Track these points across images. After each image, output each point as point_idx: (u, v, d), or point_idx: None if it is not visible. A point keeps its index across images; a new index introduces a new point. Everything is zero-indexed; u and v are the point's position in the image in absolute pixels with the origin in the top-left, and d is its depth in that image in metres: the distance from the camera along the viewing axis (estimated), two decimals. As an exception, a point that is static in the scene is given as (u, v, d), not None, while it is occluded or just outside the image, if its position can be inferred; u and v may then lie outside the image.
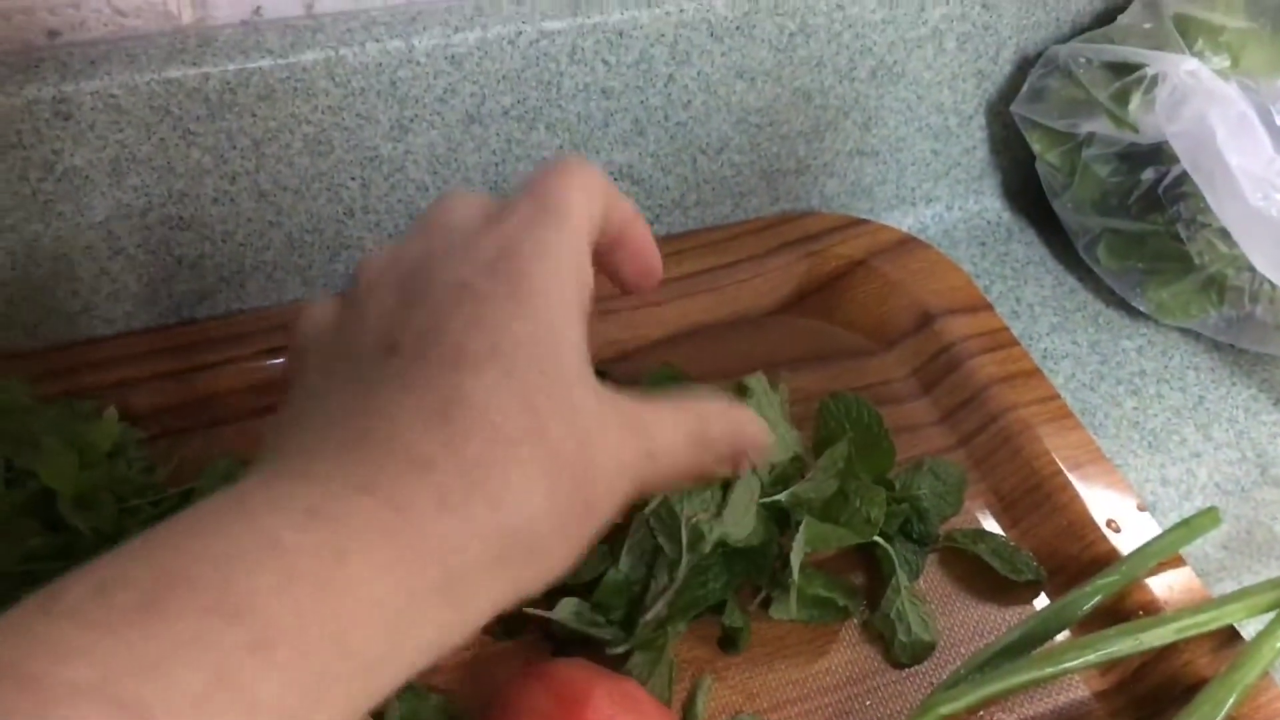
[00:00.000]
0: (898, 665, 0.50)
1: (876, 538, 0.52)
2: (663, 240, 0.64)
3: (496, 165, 0.59)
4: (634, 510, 0.51)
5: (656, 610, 0.48)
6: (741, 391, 0.51)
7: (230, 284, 0.58)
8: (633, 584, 0.49)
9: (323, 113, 0.54)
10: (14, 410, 0.46)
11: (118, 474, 0.45)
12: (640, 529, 0.50)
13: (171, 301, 0.58)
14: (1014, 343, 0.60)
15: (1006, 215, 0.72)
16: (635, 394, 0.34)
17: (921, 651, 0.50)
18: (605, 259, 0.38)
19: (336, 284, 0.60)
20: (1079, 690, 0.50)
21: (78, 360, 0.55)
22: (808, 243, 0.65)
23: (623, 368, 0.59)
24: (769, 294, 0.64)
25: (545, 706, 0.41)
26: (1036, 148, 0.67)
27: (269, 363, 0.57)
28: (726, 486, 0.49)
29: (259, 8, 0.53)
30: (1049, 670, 0.46)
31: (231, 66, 0.52)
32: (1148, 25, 0.62)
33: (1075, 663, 0.47)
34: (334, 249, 0.59)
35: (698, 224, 0.66)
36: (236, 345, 0.57)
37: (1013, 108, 0.67)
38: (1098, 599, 0.50)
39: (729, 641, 0.50)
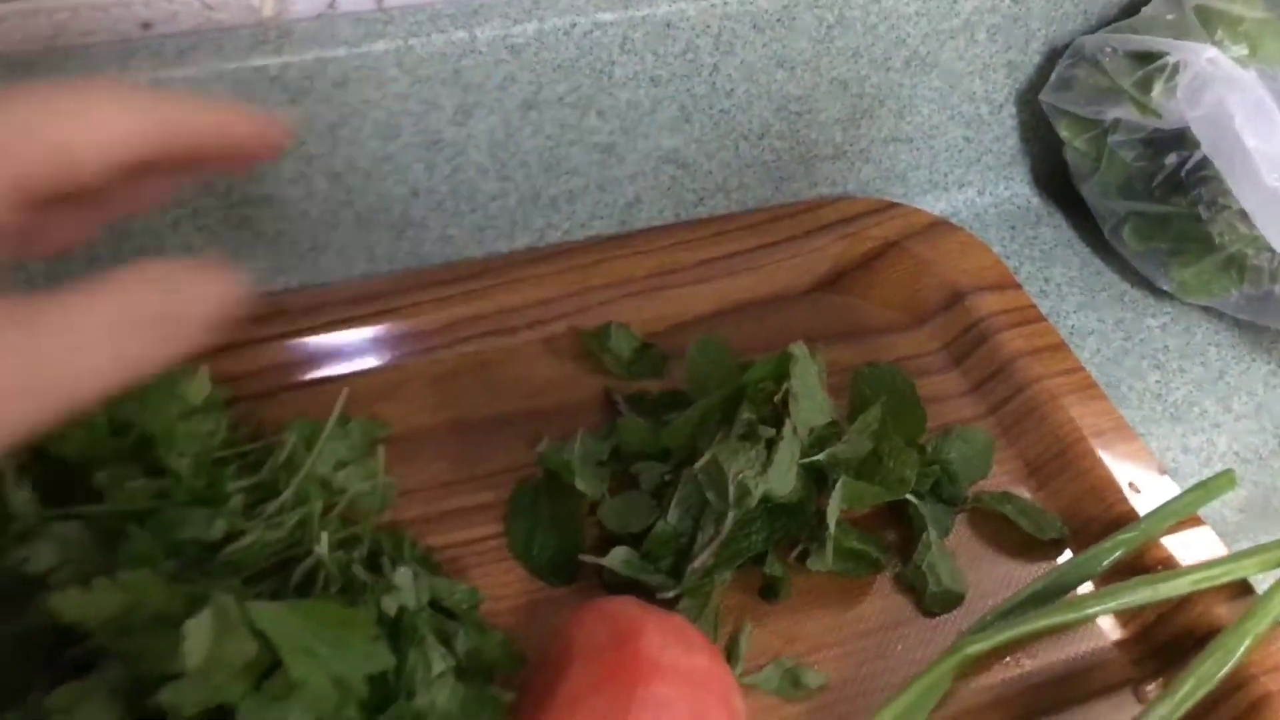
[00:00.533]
0: (928, 614, 0.53)
1: (909, 496, 0.55)
2: (706, 222, 0.68)
3: (551, 149, 0.63)
4: (680, 466, 0.54)
5: (703, 559, 0.52)
6: (786, 360, 0.54)
7: (305, 259, 0.62)
8: (680, 535, 0.53)
9: (392, 99, 0.58)
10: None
11: (208, 427, 0.50)
12: (688, 484, 0.53)
13: (251, 275, 0.62)
14: (1041, 319, 0.64)
15: (1035, 200, 0.75)
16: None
17: (951, 601, 0.53)
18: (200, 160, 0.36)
19: (401, 260, 0.64)
20: (1099, 639, 0.53)
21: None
22: (843, 225, 0.68)
23: (670, 340, 0.63)
24: (806, 273, 0.67)
25: (601, 637, 0.44)
26: (1064, 134, 0.70)
27: (341, 333, 0.61)
28: (771, 446, 0.53)
29: (333, 2, 0.57)
30: (1071, 616, 0.50)
31: (309, 56, 0.56)
32: (1170, 16, 0.65)
33: (1096, 609, 0.50)
34: (400, 228, 0.63)
35: (739, 207, 0.69)
36: (311, 316, 0.61)
37: (1041, 96, 0.70)
38: (1118, 554, 0.53)
39: (770, 590, 0.53)
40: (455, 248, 0.65)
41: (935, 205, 0.73)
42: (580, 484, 0.55)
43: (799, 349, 0.54)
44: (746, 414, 0.53)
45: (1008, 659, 0.52)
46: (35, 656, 0.43)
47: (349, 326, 0.61)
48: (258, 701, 0.40)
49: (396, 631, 0.45)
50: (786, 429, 0.53)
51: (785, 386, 0.54)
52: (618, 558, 0.52)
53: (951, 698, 0.50)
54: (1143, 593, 0.50)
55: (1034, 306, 0.64)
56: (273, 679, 0.41)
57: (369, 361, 0.61)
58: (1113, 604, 0.50)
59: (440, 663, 0.45)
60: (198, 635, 0.39)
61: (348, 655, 0.41)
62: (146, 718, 0.42)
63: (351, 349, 0.61)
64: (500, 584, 0.53)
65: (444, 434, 0.59)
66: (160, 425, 0.47)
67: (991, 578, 0.55)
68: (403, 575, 0.46)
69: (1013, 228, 0.73)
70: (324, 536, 0.46)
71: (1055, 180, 0.75)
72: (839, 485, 0.53)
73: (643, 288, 0.65)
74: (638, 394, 0.60)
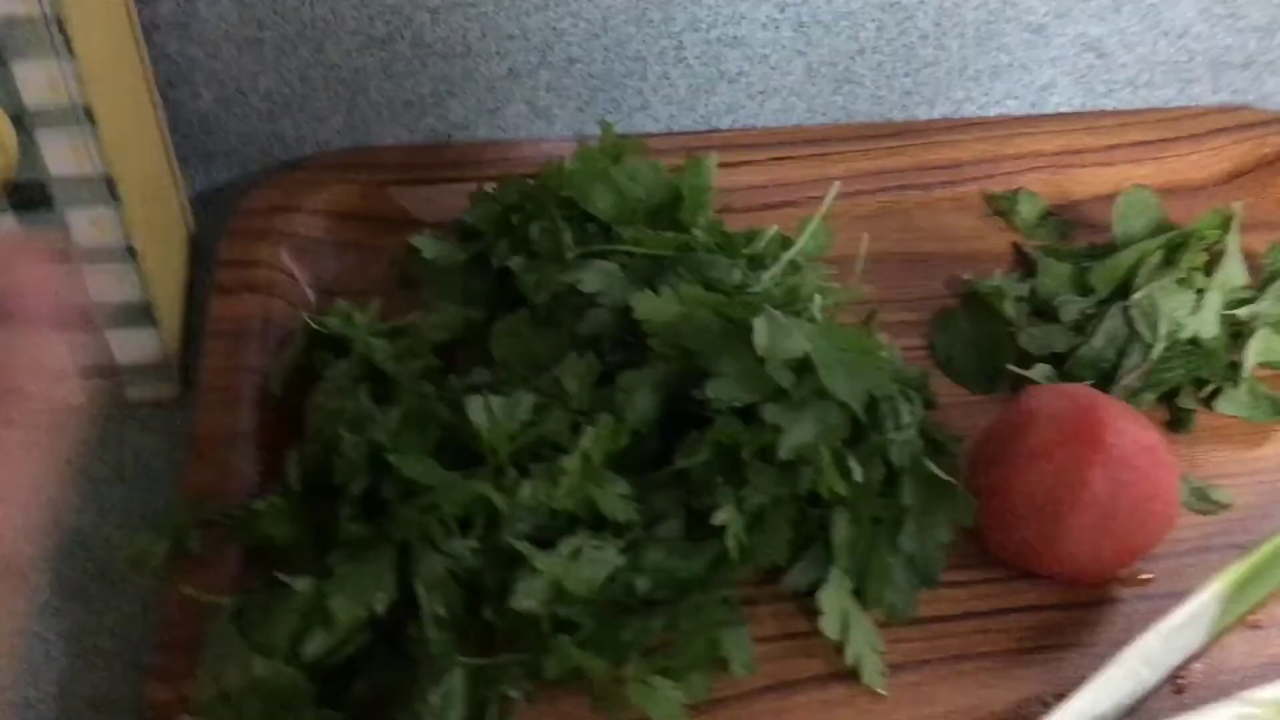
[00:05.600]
0: (1330, 464, 0.57)
1: (1319, 358, 0.59)
2: (1113, 113, 0.73)
3: (988, 23, 0.69)
4: (1102, 303, 0.60)
5: (1128, 382, 0.57)
6: (1228, 217, 0.59)
7: (754, 101, 0.70)
8: (1102, 361, 0.58)
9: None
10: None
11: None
12: (1116, 317, 0.59)
13: (705, 111, 0.71)
14: None
15: None
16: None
17: (1354, 455, 0.57)
18: None
19: (833, 115, 0.72)
20: None
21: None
22: (1244, 130, 0.72)
23: (1070, 214, 0.68)
24: (1204, 169, 0.71)
25: (1061, 405, 0.50)
26: None
27: (778, 168, 0.68)
28: (1200, 294, 0.58)
29: None
30: None
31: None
32: None
33: None
34: (840, 82, 0.70)
35: (1143, 104, 0.74)
36: (753, 151, 0.69)
37: None
38: None
39: (1178, 423, 0.58)
40: (883, 109, 0.72)
41: (1330, 127, 0.75)
42: (1006, 307, 0.61)
43: (1237, 207, 0.58)
44: (1188, 260, 0.58)
45: None
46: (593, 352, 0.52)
47: (785, 164, 0.70)
48: (780, 408, 0.48)
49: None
50: (1216, 280, 0.58)
51: (1221, 243, 0.59)
52: (1041, 372, 0.58)
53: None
54: None
55: None
56: (796, 390, 0.49)
57: (799, 195, 0.68)
58: None
59: (909, 414, 0.52)
60: (763, 335, 0.47)
61: (860, 376, 0.49)
62: (677, 410, 0.51)
63: (786, 185, 0.69)
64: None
65: (866, 262, 0.66)
66: (687, 190, 0.56)
67: (1391, 445, 0.58)
68: (881, 338, 0.53)
69: (1406, 157, 0.75)
70: (816, 297, 0.53)
71: None
72: (1257, 335, 0.58)
73: (1049, 164, 0.71)
74: (1049, 247, 0.66)
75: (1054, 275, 0.62)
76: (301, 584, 0.44)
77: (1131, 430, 0.49)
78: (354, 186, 0.66)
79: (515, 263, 0.56)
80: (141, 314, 0.54)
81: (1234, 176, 0.71)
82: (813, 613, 0.49)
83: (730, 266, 0.54)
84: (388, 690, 0.46)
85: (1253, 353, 0.57)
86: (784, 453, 0.48)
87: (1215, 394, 0.58)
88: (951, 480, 0.50)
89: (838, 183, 0.60)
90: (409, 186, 0.67)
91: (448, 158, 0.68)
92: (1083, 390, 0.52)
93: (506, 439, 0.47)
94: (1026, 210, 0.68)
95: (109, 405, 0.57)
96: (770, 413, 0.48)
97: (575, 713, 0.47)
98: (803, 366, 0.48)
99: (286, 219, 0.64)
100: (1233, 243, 0.60)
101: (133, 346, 0.55)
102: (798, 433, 0.48)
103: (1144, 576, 0.53)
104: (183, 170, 0.66)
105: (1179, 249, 0.59)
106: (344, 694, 0.46)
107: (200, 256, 0.64)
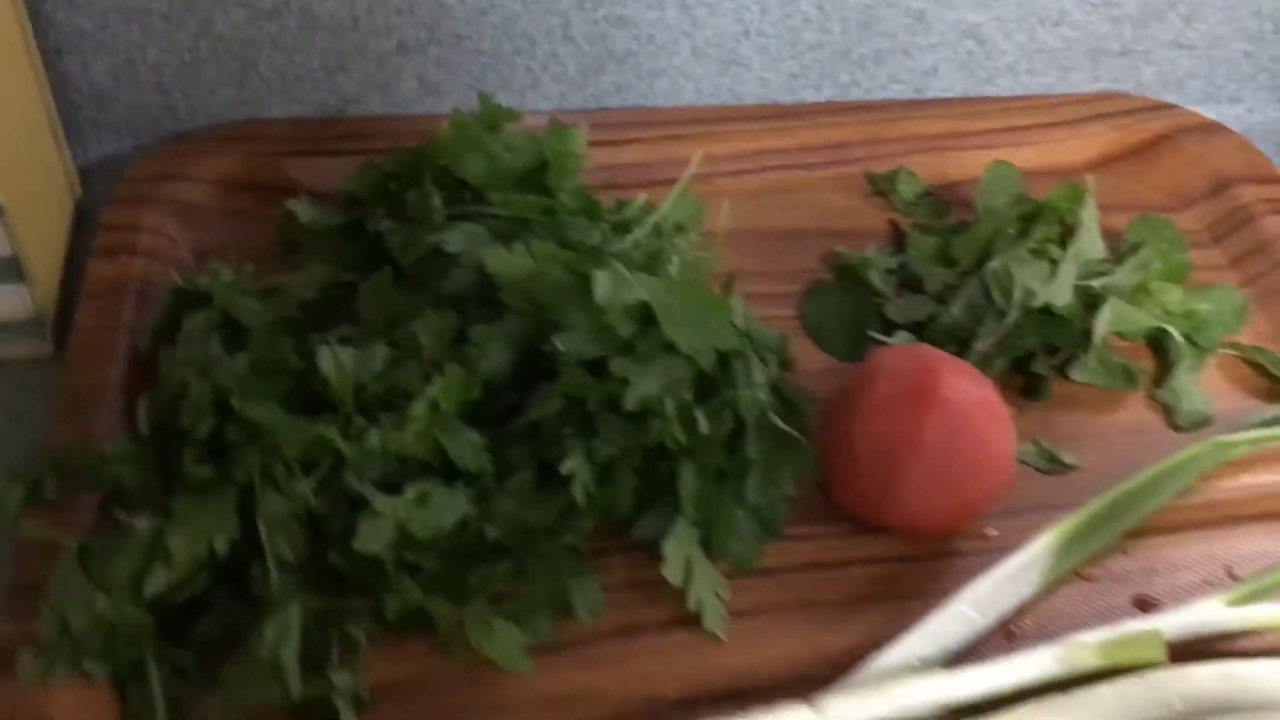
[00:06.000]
0: (1177, 429, 0.59)
1: (1168, 327, 0.61)
2: (994, 99, 0.75)
3: (870, 8, 0.71)
4: (964, 275, 0.62)
5: (981, 348, 0.59)
6: (1081, 190, 0.61)
7: (643, 82, 0.72)
8: (960, 329, 0.60)
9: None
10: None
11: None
12: (974, 287, 0.60)
13: (595, 90, 0.72)
14: (1305, 210, 0.68)
15: (1304, 126, 0.79)
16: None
17: (1200, 420, 0.59)
18: None
19: (721, 96, 0.73)
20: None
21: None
22: (1120, 116, 0.74)
23: (949, 194, 0.70)
24: (1080, 154, 0.73)
25: (904, 363, 0.52)
26: (1342, 62, 0.75)
27: (664, 147, 0.70)
28: (1054, 264, 0.60)
29: None
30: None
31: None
32: None
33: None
34: (726, 64, 0.72)
35: (1024, 91, 0.76)
36: (641, 129, 0.71)
37: (1324, 24, 0.75)
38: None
39: (1033, 390, 0.60)
40: (770, 91, 0.74)
41: (1207, 116, 0.78)
42: (874, 278, 0.63)
43: (1090, 182, 0.60)
44: (1042, 231, 0.60)
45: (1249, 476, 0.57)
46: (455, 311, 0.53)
47: (672, 143, 0.71)
48: (627, 360, 0.50)
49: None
50: (1070, 251, 0.60)
51: (1075, 214, 0.60)
52: (902, 339, 0.60)
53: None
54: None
55: (1299, 199, 0.69)
56: (642, 343, 0.50)
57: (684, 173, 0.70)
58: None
59: (760, 373, 0.53)
60: (604, 285, 0.48)
61: (705, 330, 0.50)
62: (529, 365, 0.52)
63: (671, 164, 0.70)
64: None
65: (746, 239, 0.67)
66: (554, 157, 0.57)
67: (1240, 410, 0.60)
68: (734, 301, 0.55)
69: (1279, 145, 0.77)
70: (675, 259, 0.55)
71: (1324, 112, 0.79)
72: (1108, 304, 0.59)
73: (930, 146, 0.73)
74: (921, 224, 0.68)
75: (921, 249, 0.64)
76: (142, 523, 0.45)
77: (966, 387, 0.51)
78: (243, 157, 0.67)
79: (385, 225, 0.57)
80: (10, 270, 0.55)
81: (1109, 161, 0.73)
82: (660, 562, 0.51)
83: (591, 229, 0.55)
84: (232, 630, 0.47)
85: (1103, 321, 0.59)
86: (629, 404, 0.49)
87: (1068, 362, 0.60)
88: (795, 434, 0.51)
89: (700, 153, 0.61)
90: (300, 158, 0.68)
91: (339, 131, 0.70)
92: (926, 350, 0.54)
93: (354, 388, 0.49)
94: (905, 189, 0.70)
95: (-18, 362, 0.58)
96: (617, 365, 0.50)
97: (421, 656, 0.49)
98: (648, 321, 0.50)
99: (173, 186, 0.65)
100: (1088, 216, 0.62)
101: (3, 303, 0.56)
102: (643, 385, 0.49)
103: (989, 532, 0.54)
104: (74, 140, 0.67)
105: (1034, 221, 0.61)
106: (189, 633, 0.47)
107: (87, 224, 0.65)
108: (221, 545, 0.45)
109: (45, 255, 0.59)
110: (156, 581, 0.45)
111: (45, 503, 0.50)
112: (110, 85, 0.67)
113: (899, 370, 0.52)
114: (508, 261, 0.51)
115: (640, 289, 0.49)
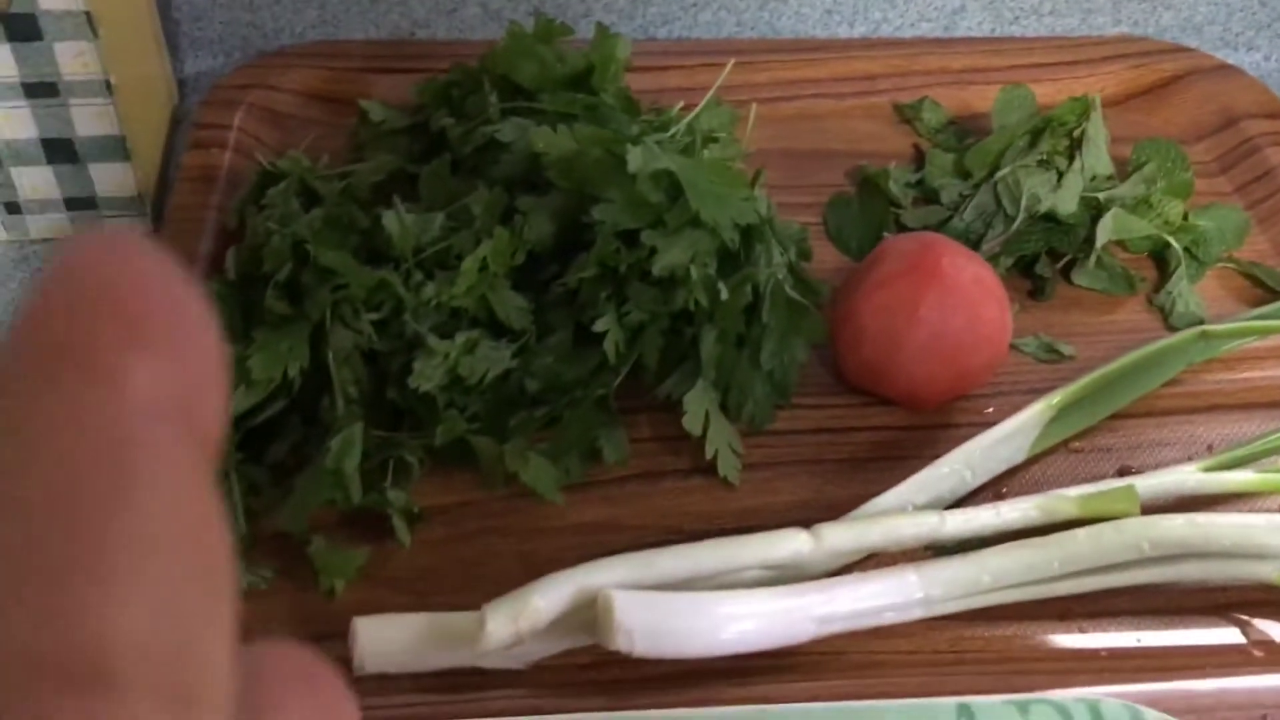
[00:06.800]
0: (1172, 329, 0.63)
1: (1169, 238, 0.65)
2: (1019, 39, 0.80)
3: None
4: (977, 187, 0.67)
5: (989, 247, 0.64)
6: (1086, 105, 0.66)
7: (688, 13, 0.78)
8: (971, 232, 0.65)
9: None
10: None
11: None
12: (985, 194, 0.65)
13: (643, 21, 0.78)
14: (1309, 142, 0.72)
15: (1319, 73, 0.83)
16: None
17: (1193, 322, 0.63)
18: None
19: (760, 30, 0.79)
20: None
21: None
22: (1139, 57, 0.79)
23: (971, 125, 0.75)
24: (1101, 90, 0.77)
25: (909, 244, 0.57)
26: (1357, 11, 0.78)
27: (705, 73, 0.76)
28: (1061, 175, 0.64)
29: None
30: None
31: None
32: None
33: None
34: (765, 0, 0.78)
35: (1049, 32, 0.81)
36: (686, 57, 0.77)
37: (1341, -26, 0.78)
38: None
39: (1038, 291, 0.65)
40: (806, 26, 0.79)
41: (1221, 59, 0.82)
42: (891, 188, 0.68)
43: (1096, 97, 0.65)
44: (1048, 144, 0.65)
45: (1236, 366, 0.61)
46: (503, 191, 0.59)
47: (712, 69, 0.77)
48: (656, 232, 0.56)
49: (749, 230, 0.59)
50: (1076, 164, 0.65)
51: (1082, 129, 0.65)
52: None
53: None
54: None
55: (1304, 132, 0.73)
56: (670, 216, 0.56)
57: (727, 99, 0.75)
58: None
59: (779, 255, 0.59)
60: (636, 156, 0.54)
61: (728, 204, 0.56)
62: (571, 238, 0.58)
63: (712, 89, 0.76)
64: (815, 259, 0.67)
65: (778, 157, 0.73)
66: (600, 61, 0.63)
67: (1233, 318, 0.64)
68: (759, 194, 0.60)
69: (1293, 90, 0.81)
70: (704, 152, 0.61)
71: (1342, 63, 0.83)
72: (1111, 213, 0.64)
73: (955, 80, 0.77)
74: (942, 145, 0.72)
75: (939, 164, 0.69)
76: (226, 349, 0.51)
77: (965, 264, 0.56)
78: (322, 72, 0.74)
79: (446, 121, 0.64)
80: (117, 148, 0.62)
81: (1127, 98, 0.78)
82: (683, 417, 0.56)
83: (630, 123, 0.61)
84: (302, 454, 0.53)
85: (1105, 228, 0.64)
86: (658, 270, 0.55)
87: (1072, 265, 0.65)
88: (806, 303, 0.57)
89: (731, 61, 0.67)
90: (372, 74, 0.75)
91: (409, 51, 0.76)
92: (930, 235, 0.59)
93: (414, 248, 0.55)
94: (930, 117, 0.75)
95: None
96: (647, 236, 0.55)
97: (466, 486, 0.55)
98: (675, 195, 0.55)
99: (260, 94, 0.72)
100: (1095, 131, 0.66)
101: (109, 181, 0.63)
102: (670, 254, 0.55)
103: (987, 410, 0.59)
104: (175, 55, 0.75)
105: (1042, 133, 0.65)
106: (265, 454, 0.53)
107: (184, 130, 0.72)
108: (294, 370, 0.52)
109: (147, 142, 0.66)
110: (239, 401, 0.51)
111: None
112: (205, 3, 0.74)
113: (902, 251, 0.57)
114: (553, 141, 0.57)
115: (669, 161, 0.54)
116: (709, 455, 0.56)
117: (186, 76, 0.76)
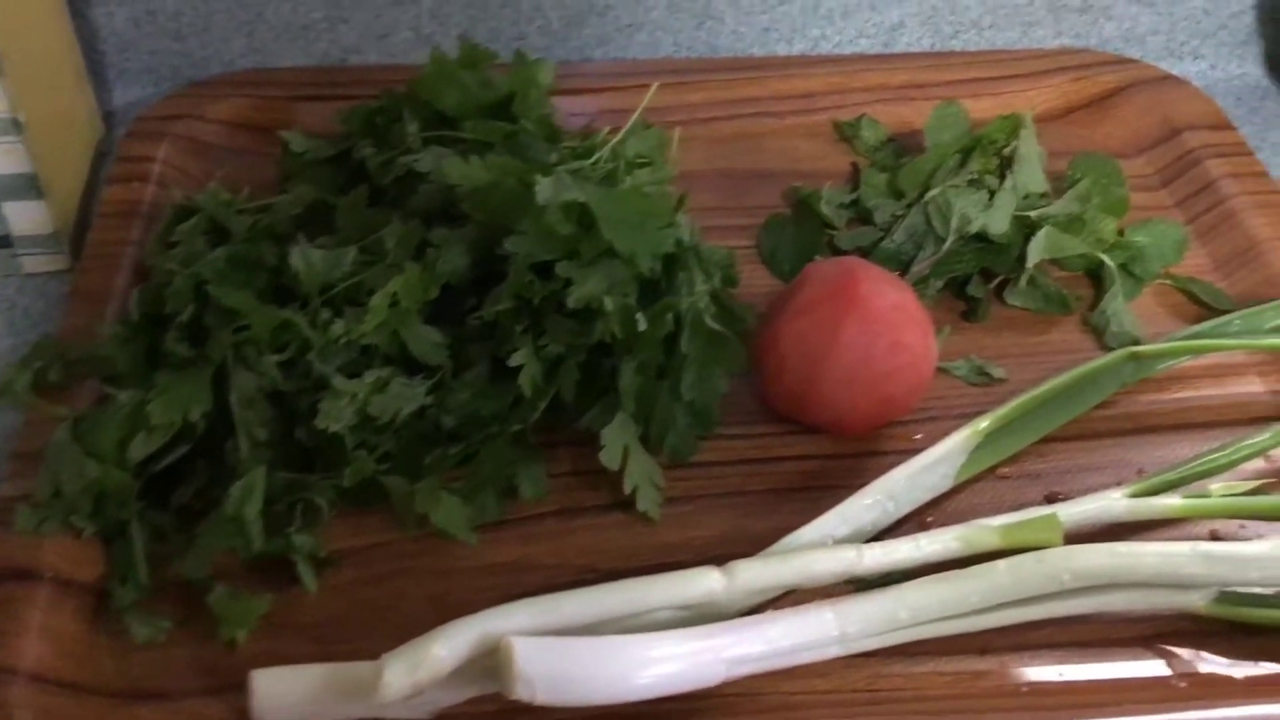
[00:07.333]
0: (1106, 350, 0.62)
1: (1103, 256, 0.64)
2: (958, 53, 0.79)
3: None
4: (909, 206, 0.66)
5: (919, 269, 0.63)
6: (1016, 122, 0.65)
7: (622, 34, 0.77)
8: (902, 254, 0.64)
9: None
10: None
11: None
12: (916, 215, 0.64)
13: (578, 43, 0.77)
14: (1251, 154, 0.71)
15: (1265, 82, 0.82)
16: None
17: (1127, 342, 0.62)
18: None
19: (698, 50, 0.78)
20: (1252, 385, 0.61)
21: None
22: (1081, 69, 0.78)
23: (910, 141, 0.74)
24: (1039, 104, 0.76)
25: (831, 271, 0.56)
26: (1301, 18, 0.77)
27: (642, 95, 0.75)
28: (993, 194, 0.63)
29: None
30: (1231, 343, 0.58)
31: None
32: None
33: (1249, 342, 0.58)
34: (701, 19, 0.77)
35: (989, 45, 0.80)
36: (620, 79, 0.76)
37: (1284, -19, 0.77)
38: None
39: (971, 313, 0.64)
40: (743, 44, 0.78)
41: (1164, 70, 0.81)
42: (824, 210, 0.67)
43: (1027, 115, 0.64)
44: (978, 164, 0.64)
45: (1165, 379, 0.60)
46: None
47: (647, 91, 0.76)
48: (571, 263, 0.54)
49: (672, 258, 0.58)
50: (1008, 183, 0.64)
51: (1012, 147, 0.64)
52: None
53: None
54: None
55: (1245, 144, 0.72)
56: (585, 246, 0.55)
57: (659, 120, 0.74)
58: (1264, 341, 0.58)
59: (702, 283, 0.57)
60: (545, 188, 0.53)
61: (644, 233, 0.54)
62: (487, 270, 0.57)
63: (648, 110, 0.75)
64: (746, 281, 0.65)
65: (713, 178, 0.72)
66: (520, 87, 0.62)
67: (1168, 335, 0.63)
68: (683, 219, 0.59)
69: (1239, 99, 0.80)
70: (629, 181, 0.60)
71: (1289, 70, 0.82)
72: (1042, 232, 0.63)
73: (895, 96, 0.76)
74: (879, 164, 0.71)
75: (873, 184, 0.68)
76: (126, 395, 0.50)
77: (885, 290, 0.55)
78: (251, 100, 0.73)
79: (366, 151, 0.63)
80: (29, 186, 0.61)
81: (1068, 111, 0.77)
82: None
83: (550, 151, 0.60)
84: (207, 498, 0.52)
85: (1036, 248, 0.63)
86: (573, 302, 0.54)
87: (1004, 286, 0.64)
88: (727, 333, 0.56)
89: (655, 84, 0.66)
90: (302, 102, 0.74)
91: (339, 78, 0.75)
92: (852, 260, 0.58)
93: (321, 285, 0.54)
94: (868, 135, 0.74)
95: (5, 274, 0.64)
96: (562, 268, 0.54)
97: (378, 528, 0.53)
98: (589, 226, 0.54)
99: (185, 124, 0.71)
100: (1027, 149, 0.65)
101: (23, 218, 0.62)
102: (585, 286, 0.54)
103: (915, 437, 0.58)
104: (101, 87, 0.74)
105: (971, 152, 0.64)
106: (169, 499, 0.52)
107: (108, 162, 0.71)
108: (195, 415, 0.51)
109: (65, 178, 0.65)
110: (139, 447, 0.50)
111: (51, 385, 0.55)
112: (132, 33, 0.73)
113: (824, 276, 0.56)
114: (466, 172, 0.56)
115: (579, 192, 0.53)
116: (628, 490, 0.54)
117: (116, 108, 0.75)
